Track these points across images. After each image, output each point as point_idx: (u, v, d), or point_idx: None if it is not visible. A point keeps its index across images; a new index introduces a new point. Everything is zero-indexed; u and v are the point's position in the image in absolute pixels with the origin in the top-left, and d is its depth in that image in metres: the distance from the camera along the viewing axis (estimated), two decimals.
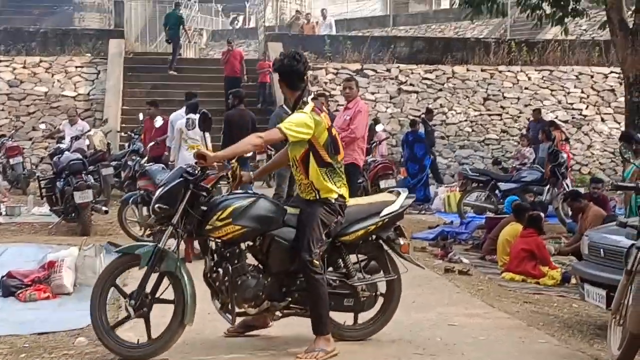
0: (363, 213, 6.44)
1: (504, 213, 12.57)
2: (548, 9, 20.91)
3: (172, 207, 6.02)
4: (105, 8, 49.66)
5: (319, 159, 6.13)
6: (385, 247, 6.60)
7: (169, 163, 12.85)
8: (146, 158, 13.08)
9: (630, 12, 19.28)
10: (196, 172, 6.10)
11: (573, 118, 23.54)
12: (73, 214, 12.67)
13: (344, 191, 6.27)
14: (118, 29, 25.86)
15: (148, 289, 6.12)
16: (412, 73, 24.03)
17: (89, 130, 17.51)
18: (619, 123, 22.80)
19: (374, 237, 6.53)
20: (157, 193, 6.14)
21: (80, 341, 6.81)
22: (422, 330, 7.04)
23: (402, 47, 25.13)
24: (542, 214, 11.25)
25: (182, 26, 25.78)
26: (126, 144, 19.71)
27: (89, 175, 13.04)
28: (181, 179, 6.07)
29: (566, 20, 21.00)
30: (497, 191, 14.96)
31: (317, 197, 6.13)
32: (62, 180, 13.07)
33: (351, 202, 6.40)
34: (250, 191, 6.45)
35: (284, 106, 12.01)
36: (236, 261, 6.09)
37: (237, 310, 6.17)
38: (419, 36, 31.40)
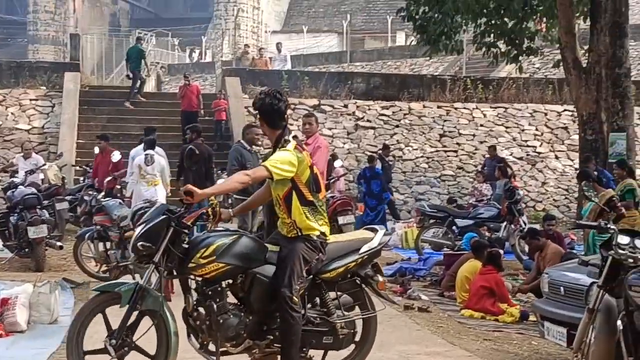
0: (343, 250, 6.45)
1: (462, 249, 12.60)
2: (503, 47, 21.27)
3: (154, 245, 5.92)
4: (60, 41, 49.45)
5: (302, 197, 6.14)
6: (363, 285, 6.58)
7: (125, 199, 13.00)
8: (103, 193, 12.93)
9: (583, 52, 19.64)
10: (177, 209, 6.05)
11: (527, 155, 23.78)
12: (27, 249, 12.46)
13: (325, 229, 6.27)
14: (74, 61, 25.66)
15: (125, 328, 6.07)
16: (369, 109, 24.14)
17: (43, 164, 17.29)
18: (573, 160, 23.09)
19: (350, 274, 6.51)
20: (138, 231, 6.00)
21: None
22: None
23: (359, 83, 25.26)
24: (501, 251, 11.30)
25: (143, 60, 25.76)
26: (81, 178, 19.54)
27: (44, 210, 12.84)
28: (164, 216, 5.98)
29: (521, 58, 21.39)
30: (454, 227, 15.01)
31: (299, 234, 6.12)
32: (15, 214, 12.87)
33: (330, 239, 6.39)
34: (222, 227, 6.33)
35: (242, 141, 12.00)
36: (218, 299, 6.00)
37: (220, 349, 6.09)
38: (375, 72, 31.66)
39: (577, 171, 19.27)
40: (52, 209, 14.24)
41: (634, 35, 27.37)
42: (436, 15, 19.66)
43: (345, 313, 6.48)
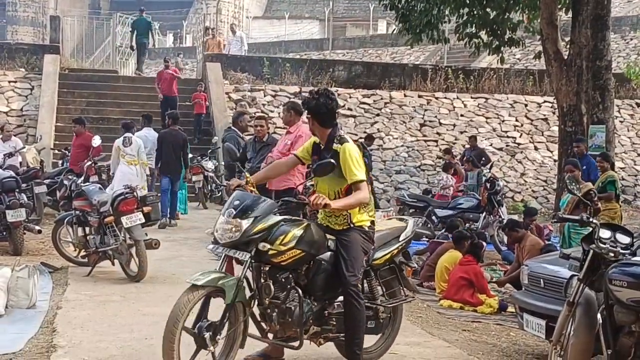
0: (385, 238, 6.80)
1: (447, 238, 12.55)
2: (485, 38, 21.26)
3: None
4: (39, 22, 48.98)
5: None
6: (397, 272, 6.94)
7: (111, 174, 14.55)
8: (82, 177, 12.83)
9: (564, 44, 19.68)
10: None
11: (507, 146, 23.85)
12: (4, 233, 12.34)
13: (374, 219, 6.48)
14: (53, 44, 25.45)
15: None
16: (350, 97, 24.13)
17: (22, 147, 17.14)
18: (552, 152, 23.18)
19: (389, 261, 6.87)
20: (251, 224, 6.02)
21: None
22: None
23: (341, 71, 25.23)
24: (483, 243, 11.32)
25: (150, 32, 27.00)
26: (59, 162, 19.42)
27: (22, 194, 12.72)
28: (279, 217, 6.18)
29: (502, 49, 21.39)
30: (433, 217, 15.04)
31: (351, 225, 6.25)
32: None
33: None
34: None
35: (234, 129, 11.97)
36: (289, 286, 6.11)
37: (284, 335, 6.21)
38: (357, 60, 31.61)
39: (558, 162, 19.37)
40: (30, 192, 14.17)
41: (614, 28, 27.54)
42: (421, 5, 19.58)
43: (388, 299, 6.84)
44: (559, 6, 20.01)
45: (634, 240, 6.07)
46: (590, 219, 6.01)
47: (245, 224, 5.89)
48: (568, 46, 19.36)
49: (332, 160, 6.02)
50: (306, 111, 6.48)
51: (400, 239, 6.84)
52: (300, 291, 6.12)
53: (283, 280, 6.06)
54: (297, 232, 6.06)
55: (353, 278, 6.10)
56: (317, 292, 6.24)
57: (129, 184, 10.97)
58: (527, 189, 22.93)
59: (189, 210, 18.15)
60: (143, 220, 10.10)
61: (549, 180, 22.75)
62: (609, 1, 18.71)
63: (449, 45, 32.83)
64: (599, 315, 5.90)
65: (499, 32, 21.15)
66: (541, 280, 7.61)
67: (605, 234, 5.96)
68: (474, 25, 21.13)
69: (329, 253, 6.23)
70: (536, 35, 22.63)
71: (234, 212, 5.92)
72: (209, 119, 23.01)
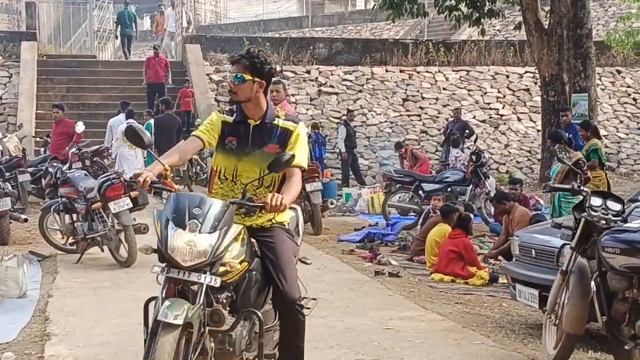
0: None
1: None
2: (465, 10, 21.24)
3: None
4: (14, 9, 48.45)
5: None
6: None
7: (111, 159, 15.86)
8: (67, 165, 12.76)
9: (544, 13, 19.70)
10: None
11: (490, 118, 23.85)
12: None
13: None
14: (30, 30, 25.20)
15: None
16: (332, 74, 24.06)
17: (4, 137, 17.01)
18: (535, 122, 23.21)
19: None
20: None
21: (7, 356, 6.55)
22: (358, 335, 6.99)
23: (321, 49, 25.13)
24: (471, 215, 11.33)
25: (134, 23, 27.34)
26: (41, 149, 19.29)
27: (6, 183, 12.64)
28: None
29: (482, 21, 21.38)
30: (420, 192, 15.04)
31: (274, 222, 5.07)
32: None
33: None
34: None
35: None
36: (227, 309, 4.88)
37: None
38: (337, 37, 31.50)
39: (541, 132, 19.43)
40: (14, 181, 14.06)
41: None
42: None
43: None
44: None
45: (625, 207, 6.08)
46: (581, 188, 6.02)
47: (215, 239, 4.54)
48: (548, 16, 19.40)
49: (292, 153, 4.80)
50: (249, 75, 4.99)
51: (300, 232, 5.53)
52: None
53: (224, 301, 4.74)
54: (241, 240, 4.77)
55: (294, 293, 4.88)
56: (247, 305, 4.89)
57: (131, 168, 10.93)
58: (511, 160, 22.96)
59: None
60: (131, 205, 10.04)
61: (533, 151, 22.79)
62: None
63: (428, 19, 32.85)
64: (592, 283, 5.91)
65: (478, 3, 21.14)
66: (532, 250, 7.61)
67: (596, 201, 5.98)
68: None
69: (256, 259, 4.96)
70: (515, 6, 22.68)
71: (199, 225, 4.53)
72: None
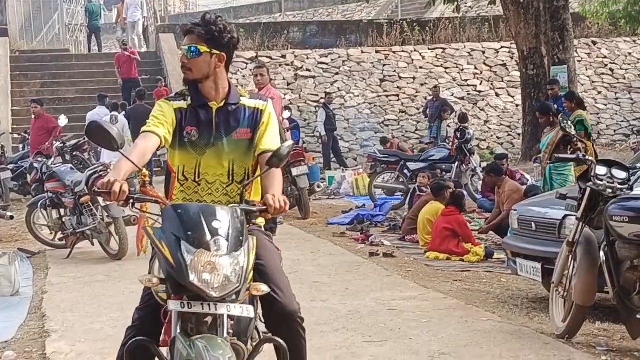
0: None
1: None
2: None
3: None
4: None
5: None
6: None
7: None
8: (52, 159, 12.56)
9: None
10: None
11: (468, 94, 23.84)
12: None
13: None
14: (1, 26, 24.85)
15: None
16: (308, 58, 23.93)
17: None
18: (513, 97, 23.24)
19: None
20: None
21: (7, 355, 6.41)
22: (362, 318, 6.91)
23: (296, 33, 24.99)
24: (464, 192, 11.28)
25: (99, 17, 27.58)
26: (20, 146, 19.06)
27: None
28: None
29: None
30: (406, 171, 14.98)
31: (251, 225, 4.04)
32: None
33: None
34: None
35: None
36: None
37: None
38: (311, 20, 31.31)
39: (522, 106, 19.41)
40: None
41: None
42: None
43: None
44: None
45: (630, 175, 6.03)
46: (586, 157, 5.96)
47: (244, 259, 3.68)
48: None
49: (292, 142, 4.15)
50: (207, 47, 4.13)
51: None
52: None
53: (231, 331, 3.78)
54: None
55: (294, 304, 4.06)
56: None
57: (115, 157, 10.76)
58: (491, 136, 22.97)
59: (155, 184, 17.93)
60: None
61: (513, 126, 22.81)
62: None
63: None
64: (601, 253, 5.86)
65: None
66: (532, 223, 7.56)
67: (601, 170, 5.92)
68: None
69: None
70: None
71: (227, 243, 3.64)
72: None
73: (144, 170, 3.90)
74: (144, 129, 4.19)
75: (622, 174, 5.96)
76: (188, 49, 4.13)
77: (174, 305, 3.62)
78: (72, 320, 7.29)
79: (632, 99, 24.31)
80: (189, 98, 4.22)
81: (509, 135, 22.94)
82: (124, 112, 18.15)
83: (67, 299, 8.17)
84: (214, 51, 4.12)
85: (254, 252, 3.76)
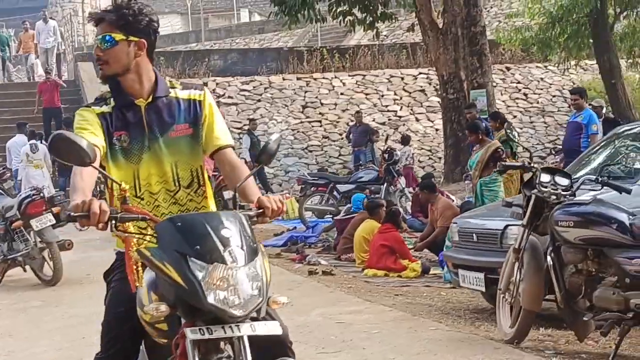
0: None
1: (352, 212, 12.61)
2: (359, 15, 21.44)
3: None
4: None
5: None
6: None
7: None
8: None
9: (437, 13, 20.06)
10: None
11: (389, 120, 24.14)
12: None
13: None
14: None
15: None
16: (229, 85, 23.93)
17: None
18: (433, 122, 23.63)
19: None
20: None
21: None
22: (312, 331, 6.92)
23: (216, 60, 24.98)
24: (400, 209, 11.41)
25: (7, 46, 26.96)
26: None
27: None
28: None
29: (377, 24, 21.64)
30: (335, 192, 15.08)
31: None
32: None
33: None
34: None
35: None
36: None
37: None
38: (232, 48, 31.40)
39: (443, 130, 19.76)
40: None
41: None
42: None
43: None
44: None
45: (572, 181, 6.21)
46: (532, 165, 6.13)
47: (261, 269, 3.19)
48: (442, 15, 19.76)
49: (279, 135, 3.76)
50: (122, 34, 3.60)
51: None
52: None
53: None
54: None
55: (285, 327, 3.42)
56: None
57: (37, 185, 10.59)
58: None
59: None
60: (54, 221, 9.69)
61: (434, 149, 23.18)
62: None
63: (315, 27, 33.08)
64: (549, 258, 6.01)
65: (371, 7, 21.38)
66: (474, 234, 7.70)
67: (545, 178, 6.08)
68: (346, 2, 21.29)
69: None
70: (408, 9, 23.00)
71: (243, 253, 3.16)
72: None
73: (124, 184, 3.32)
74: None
75: (565, 181, 6.13)
76: (102, 39, 3.59)
77: (192, 334, 3.05)
78: (13, 346, 7.18)
79: (545, 122, 24.97)
80: (111, 100, 3.65)
81: (429, 158, 23.29)
82: (41, 141, 18.00)
83: (4, 325, 8.02)
84: (131, 38, 3.58)
85: (267, 260, 3.29)
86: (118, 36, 3.58)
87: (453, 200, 14.83)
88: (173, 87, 3.73)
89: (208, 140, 3.72)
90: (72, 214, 3.22)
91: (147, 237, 3.34)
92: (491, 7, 33.53)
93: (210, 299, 3.05)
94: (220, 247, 3.11)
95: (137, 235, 3.37)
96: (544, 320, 7.15)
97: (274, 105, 23.79)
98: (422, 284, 9.48)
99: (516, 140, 6.77)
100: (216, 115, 3.75)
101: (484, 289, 7.41)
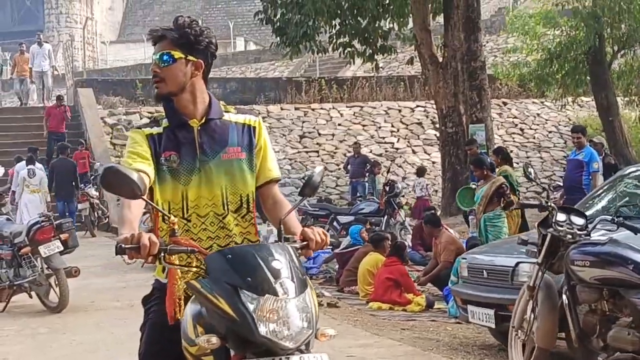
0: None
1: (352, 245, 12.66)
2: (359, 47, 21.63)
3: None
4: None
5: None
6: None
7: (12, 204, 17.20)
8: None
9: (438, 47, 20.24)
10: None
11: (386, 151, 24.27)
12: None
13: None
14: None
15: None
16: None
17: None
18: (429, 154, 23.77)
19: None
20: None
21: None
22: None
23: (215, 88, 25.09)
24: (406, 243, 11.46)
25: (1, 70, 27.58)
26: None
27: None
28: None
29: (376, 57, 21.83)
30: (335, 224, 15.14)
31: None
32: None
33: None
34: None
35: None
36: None
37: None
38: (231, 77, 31.54)
39: (441, 163, 19.86)
40: None
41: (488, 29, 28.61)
42: (297, 17, 19.73)
43: None
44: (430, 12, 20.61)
45: (588, 221, 6.27)
46: (549, 204, 6.19)
47: (310, 300, 3.21)
48: (442, 50, 19.93)
49: (323, 167, 3.78)
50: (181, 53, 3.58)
51: None
52: None
53: None
54: None
55: None
56: None
57: (36, 211, 10.62)
58: (409, 192, 23.33)
59: (79, 239, 17.63)
60: (62, 248, 9.72)
61: (430, 182, 23.24)
62: (478, 3, 19.43)
63: (312, 57, 33.28)
64: (564, 297, 6.05)
65: (371, 40, 21.58)
66: (484, 271, 7.75)
67: (561, 217, 6.14)
68: (346, 34, 21.48)
69: None
70: (407, 42, 23.20)
71: (293, 285, 3.16)
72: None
73: (172, 217, 3.31)
74: (132, 166, 3.48)
75: (580, 221, 6.19)
76: (160, 57, 3.56)
77: None
78: None
79: (542, 158, 25.13)
80: (164, 120, 3.62)
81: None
82: (42, 165, 18.34)
83: (13, 351, 7.99)
84: (190, 57, 3.57)
85: (315, 292, 3.28)
86: (177, 54, 3.55)
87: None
88: (227, 112, 3.74)
89: (261, 170, 3.72)
90: (122, 245, 3.20)
91: (193, 269, 3.38)
92: (487, 42, 33.80)
93: (262, 331, 3.04)
94: (272, 279, 3.11)
95: (185, 268, 3.39)
96: (555, 358, 7.20)
97: (271, 135, 23.84)
98: (427, 319, 9.51)
99: (535, 180, 6.80)
100: (269, 146, 3.77)
101: (494, 325, 7.44)
